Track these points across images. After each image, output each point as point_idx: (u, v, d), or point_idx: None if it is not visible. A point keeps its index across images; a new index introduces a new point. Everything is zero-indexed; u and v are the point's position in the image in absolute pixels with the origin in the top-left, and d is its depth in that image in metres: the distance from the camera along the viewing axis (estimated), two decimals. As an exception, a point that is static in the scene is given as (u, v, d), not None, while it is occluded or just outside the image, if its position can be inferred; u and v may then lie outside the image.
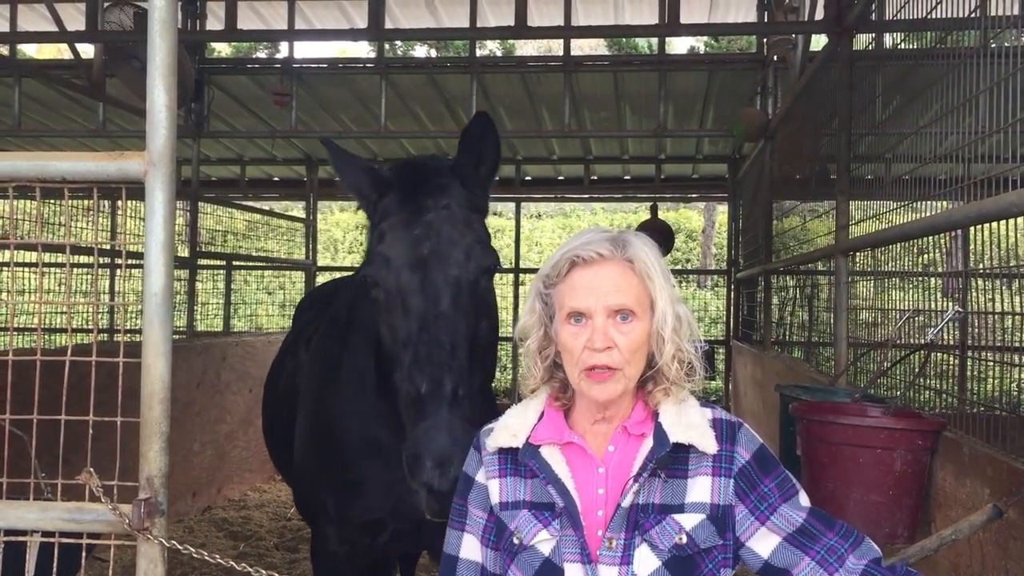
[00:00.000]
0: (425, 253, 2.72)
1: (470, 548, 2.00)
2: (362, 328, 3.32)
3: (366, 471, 3.24)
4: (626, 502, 1.82)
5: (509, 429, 1.96)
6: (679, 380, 1.91)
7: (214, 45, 13.17)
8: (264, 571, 2.16)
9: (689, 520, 1.83)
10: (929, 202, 4.03)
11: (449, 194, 2.87)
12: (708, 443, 1.86)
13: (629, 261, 1.88)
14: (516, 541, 1.89)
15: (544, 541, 1.86)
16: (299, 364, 3.97)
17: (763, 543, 1.87)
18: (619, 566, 1.81)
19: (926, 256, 4.89)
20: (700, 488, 1.86)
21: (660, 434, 1.87)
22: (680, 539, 1.81)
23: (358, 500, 3.27)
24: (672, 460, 1.86)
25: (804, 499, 1.91)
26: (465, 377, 2.60)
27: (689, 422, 1.88)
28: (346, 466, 3.28)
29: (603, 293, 1.84)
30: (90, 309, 10.74)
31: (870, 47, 5.45)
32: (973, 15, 3.47)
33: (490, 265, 2.83)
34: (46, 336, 11.95)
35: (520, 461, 1.93)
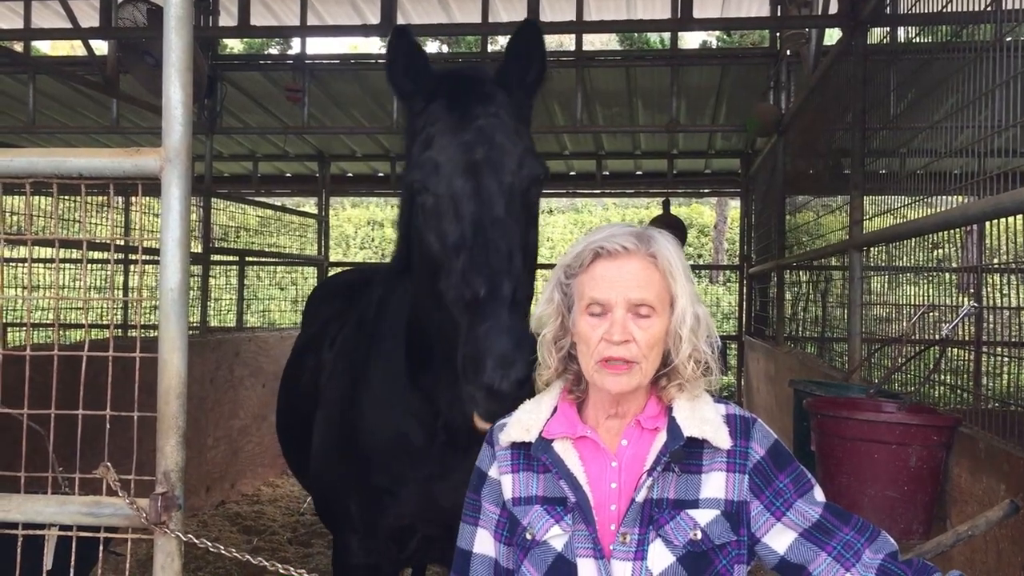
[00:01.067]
0: (478, 158, 2.65)
1: (484, 543, 2.00)
2: (392, 323, 3.23)
3: (395, 473, 3.14)
4: (640, 496, 1.82)
5: (522, 424, 1.96)
6: (694, 379, 1.90)
7: (227, 41, 13.20)
8: (279, 565, 2.17)
9: (704, 516, 1.83)
10: (944, 197, 4.01)
11: (497, 102, 2.81)
12: (722, 438, 1.85)
13: (653, 256, 1.87)
14: (529, 536, 1.89)
15: (556, 536, 1.86)
16: (322, 363, 3.82)
17: (779, 539, 1.86)
18: (633, 561, 1.80)
19: (940, 251, 4.87)
20: (714, 484, 1.86)
21: (674, 428, 1.86)
22: (695, 535, 1.81)
23: (387, 505, 3.16)
24: (686, 455, 1.85)
25: (819, 494, 1.90)
26: (522, 283, 2.52)
27: (703, 417, 1.87)
28: (373, 469, 3.17)
29: (625, 286, 1.84)
30: (106, 305, 10.81)
31: (884, 41, 5.43)
32: (988, 9, 3.45)
33: (540, 174, 2.76)
34: (62, 332, 12.02)
35: (533, 456, 1.93)
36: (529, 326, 2.28)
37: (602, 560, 1.81)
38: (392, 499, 3.16)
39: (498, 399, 2.26)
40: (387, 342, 3.24)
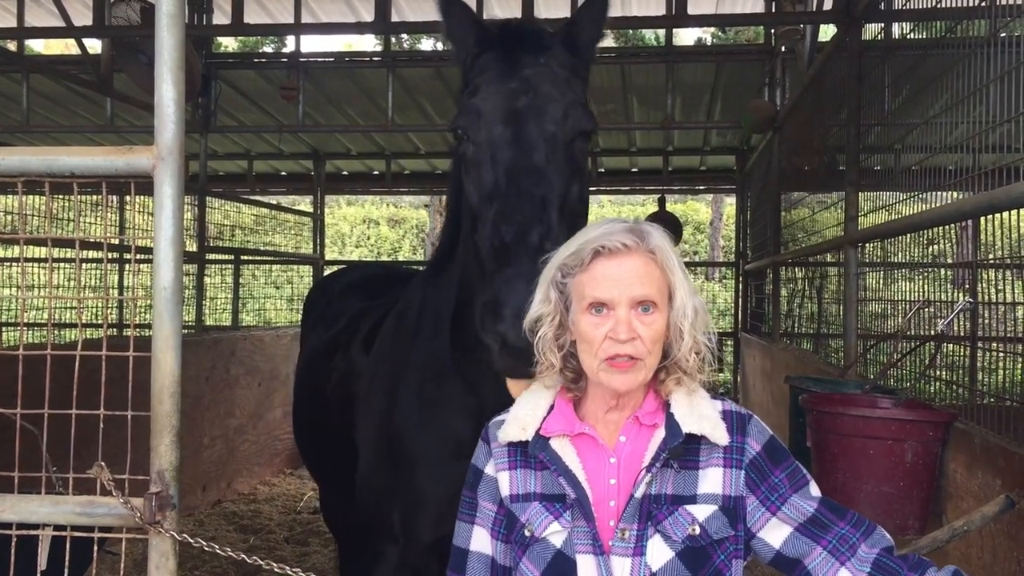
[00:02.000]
0: (520, 106, 2.58)
1: (480, 541, 2.00)
2: (436, 318, 3.12)
3: (443, 475, 2.98)
4: (639, 492, 1.82)
5: (519, 422, 1.95)
6: (694, 371, 1.90)
7: (221, 40, 13.16)
8: (275, 564, 2.17)
9: (702, 511, 1.83)
10: (939, 192, 4.01)
11: (551, 54, 2.73)
12: (720, 434, 1.86)
13: (651, 252, 1.87)
14: (527, 533, 1.89)
15: (556, 533, 1.86)
16: (355, 368, 3.60)
17: (774, 533, 1.87)
18: (632, 557, 1.80)
19: (936, 247, 4.87)
20: (712, 479, 1.86)
21: (672, 424, 1.86)
22: (694, 530, 1.81)
23: (432, 511, 3.02)
24: (684, 451, 1.86)
25: (815, 489, 1.91)
26: (554, 234, 2.38)
27: (701, 413, 1.87)
28: (419, 473, 3.04)
29: (627, 284, 1.83)
30: (100, 304, 10.78)
31: (879, 37, 5.43)
32: (982, 4, 3.45)
33: (588, 128, 2.66)
34: (56, 331, 12.00)
35: (530, 453, 1.92)
36: None
37: (601, 556, 1.81)
38: (436, 504, 3.02)
39: (514, 354, 2.14)
40: (431, 337, 3.12)
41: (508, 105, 2.59)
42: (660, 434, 1.86)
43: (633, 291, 1.83)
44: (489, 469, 2.00)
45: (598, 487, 1.86)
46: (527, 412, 1.96)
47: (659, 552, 1.80)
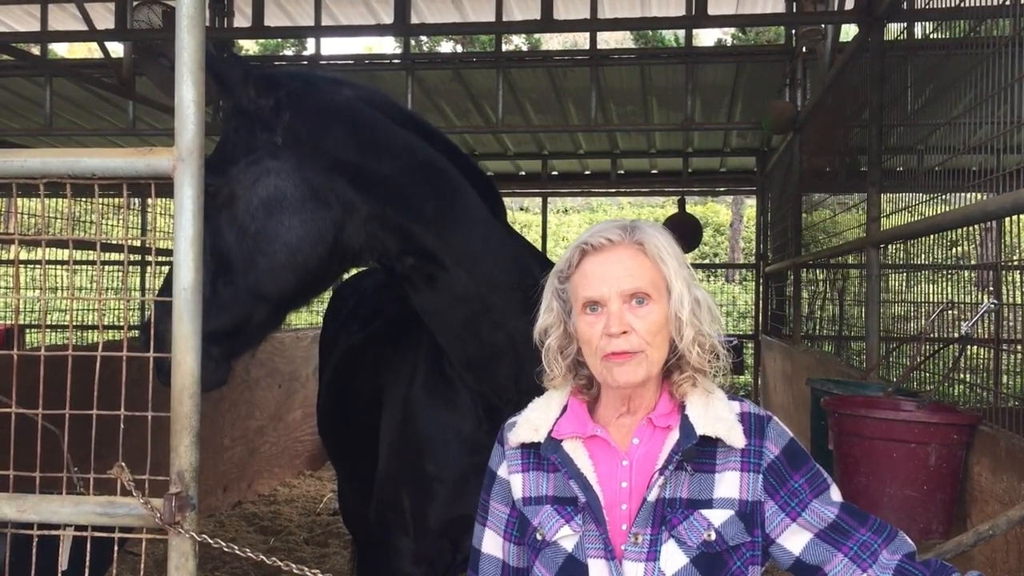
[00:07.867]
0: None
1: (491, 543, 2.00)
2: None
3: (448, 463, 3.13)
4: (652, 496, 1.79)
5: (531, 424, 1.94)
6: (702, 366, 1.87)
7: (241, 43, 13.22)
8: (294, 565, 2.17)
9: (718, 516, 1.80)
10: (961, 194, 3.98)
11: None
12: (736, 437, 1.82)
13: (639, 244, 1.85)
14: (539, 537, 1.88)
15: (567, 537, 1.84)
16: (385, 358, 3.67)
17: (794, 540, 1.83)
18: (645, 562, 1.78)
19: (959, 248, 4.83)
20: (728, 483, 1.83)
21: (686, 426, 1.83)
22: (709, 535, 1.78)
23: (433, 495, 3.14)
24: (699, 454, 1.83)
25: (836, 494, 1.88)
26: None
27: (717, 415, 1.84)
28: (424, 456, 3.16)
29: (615, 278, 1.81)
30: (121, 306, 10.86)
31: (901, 37, 5.39)
32: (1006, 3, 3.41)
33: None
34: (78, 333, 12.08)
35: (542, 455, 1.91)
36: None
37: (613, 561, 1.79)
38: (442, 485, 3.14)
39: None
40: (426, 332, 3.24)
41: None
42: (674, 436, 1.84)
43: (622, 285, 1.81)
44: (502, 472, 1.99)
45: (610, 491, 1.84)
46: (539, 414, 1.95)
47: (673, 557, 1.77)
